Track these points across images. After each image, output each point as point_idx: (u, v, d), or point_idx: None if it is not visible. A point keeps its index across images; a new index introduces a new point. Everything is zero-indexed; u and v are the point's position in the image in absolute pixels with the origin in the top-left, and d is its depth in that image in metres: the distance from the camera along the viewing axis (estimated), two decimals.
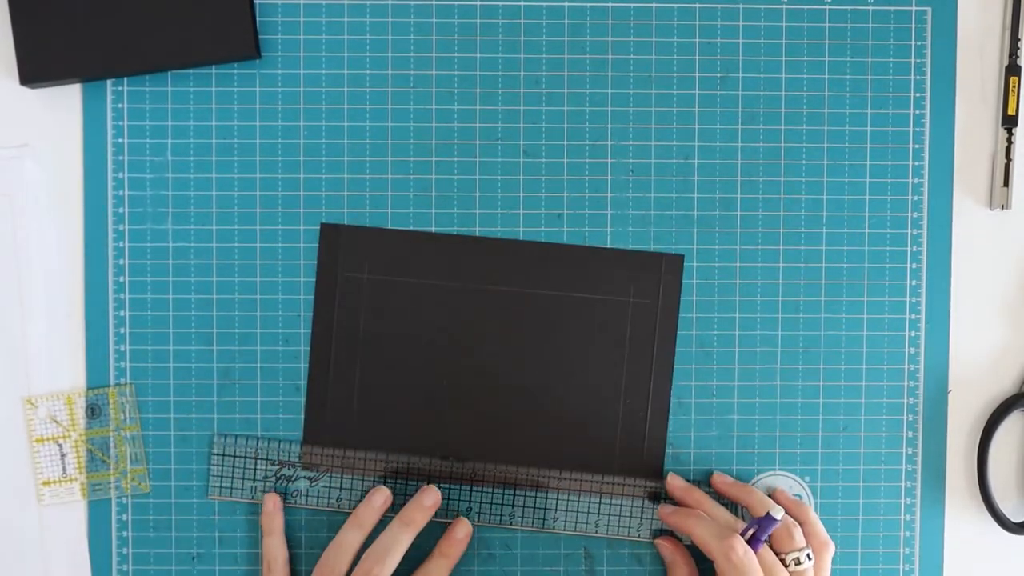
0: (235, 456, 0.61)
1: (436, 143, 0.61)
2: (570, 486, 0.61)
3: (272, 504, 0.60)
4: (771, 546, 0.57)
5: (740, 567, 0.54)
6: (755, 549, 0.55)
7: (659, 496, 0.61)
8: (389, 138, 0.61)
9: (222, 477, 0.61)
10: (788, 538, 0.57)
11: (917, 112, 0.62)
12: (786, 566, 0.56)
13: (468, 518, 0.61)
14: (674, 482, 0.60)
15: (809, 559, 0.56)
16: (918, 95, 0.62)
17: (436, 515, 0.61)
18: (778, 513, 0.55)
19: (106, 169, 0.61)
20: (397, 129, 0.61)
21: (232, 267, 0.61)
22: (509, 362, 0.61)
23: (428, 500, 0.59)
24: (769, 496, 0.60)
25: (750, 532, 0.56)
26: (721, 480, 0.61)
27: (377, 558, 0.56)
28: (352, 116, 0.61)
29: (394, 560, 0.57)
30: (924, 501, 0.62)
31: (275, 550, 0.59)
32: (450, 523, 0.60)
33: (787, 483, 0.62)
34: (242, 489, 0.61)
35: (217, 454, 0.61)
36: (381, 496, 0.59)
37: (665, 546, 0.60)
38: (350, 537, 0.58)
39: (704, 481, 0.61)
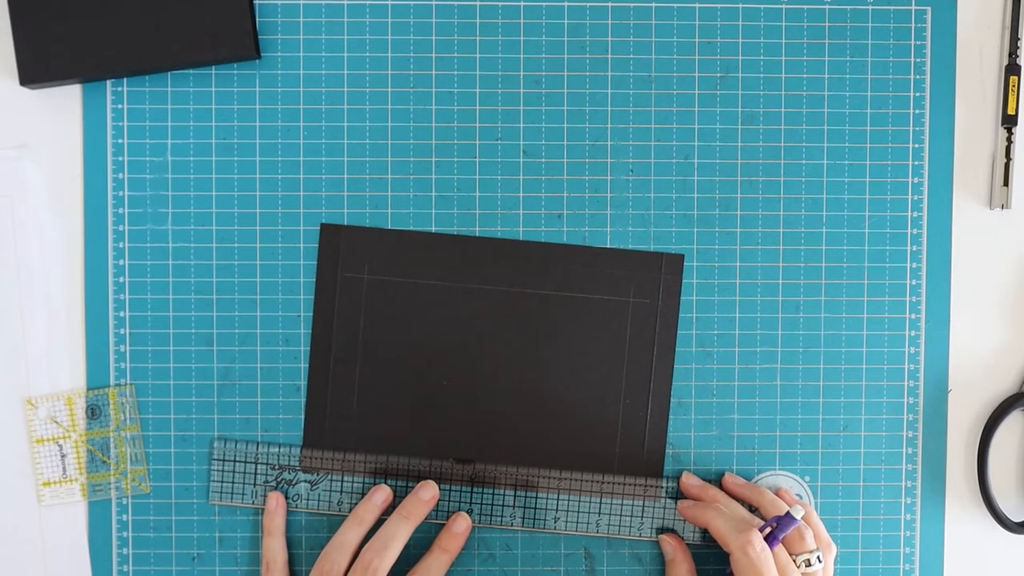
0: (235, 461, 0.61)
1: (436, 143, 0.61)
2: (570, 486, 0.61)
3: (275, 502, 0.60)
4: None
5: (756, 562, 0.54)
6: (771, 547, 0.55)
7: (677, 496, 0.61)
8: (389, 138, 0.61)
9: (223, 482, 0.61)
10: (799, 540, 0.57)
11: (917, 112, 0.62)
12: (796, 567, 0.56)
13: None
14: (689, 480, 0.61)
15: (819, 561, 0.57)
16: (918, 95, 0.62)
17: (437, 516, 0.61)
18: (798, 513, 0.55)
19: (106, 169, 0.61)
20: (397, 129, 0.61)
21: (232, 267, 0.61)
22: (509, 362, 0.61)
23: (426, 494, 0.59)
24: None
25: (767, 530, 0.56)
26: (732, 480, 0.61)
27: (377, 551, 0.57)
28: (352, 116, 0.61)
29: (394, 553, 0.57)
30: (924, 501, 0.62)
31: (275, 551, 0.59)
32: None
33: (787, 483, 0.62)
34: (243, 494, 0.61)
35: (217, 459, 0.61)
36: (382, 494, 0.60)
37: (668, 542, 0.60)
38: (350, 534, 0.58)
39: (715, 481, 0.61)
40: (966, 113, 0.62)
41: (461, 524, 0.60)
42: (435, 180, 0.61)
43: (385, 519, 0.59)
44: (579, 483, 0.61)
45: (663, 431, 0.62)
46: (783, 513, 0.57)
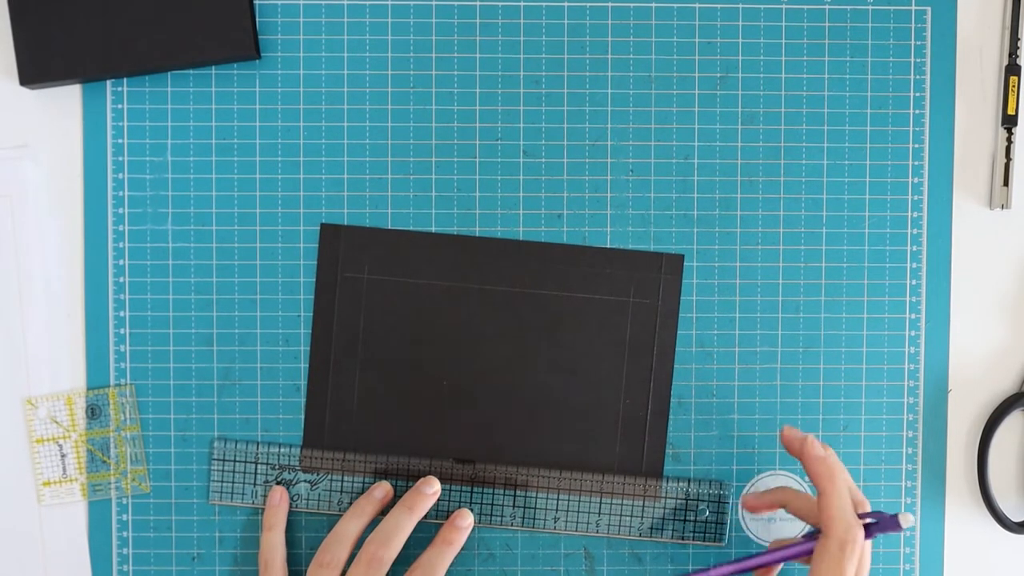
0: (235, 461, 0.61)
1: (436, 143, 0.61)
2: (570, 486, 0.61)
3: (278, 496, 0.60)
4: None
5: (845, 559, 0.52)
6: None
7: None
8: (389, 138, 0.61)
9: (223, 482, 0.61)
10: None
11: (917, 112, 0.62)
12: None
13: None
14: (791, 433, 0.56)
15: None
16: (918, 95, 0.62)
17: (437, 516, 0.61)
18: (907, 523, 0.52)
19: (106, 169, 0.61)
20: (397, 129, 0.61)
21: (232, 267, 0.61)
22: (509, 362, 0.61)
23: (429, 488, 0.59)
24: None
25: (867, 520, 0.54)
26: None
27: (381, 542, 0.57)
28: (352, 116, 0.61)
29: (398, 544, 0.57)
30: (924, 501, 0.62)
31: (273, 548, 0.59)
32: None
33: (787, 483, 0.62)
34: (243, 494, 0.61)
35: (217, 459, 0.61)
36: (382, 490, 0.60)
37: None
38: (351, 526, 0.58)
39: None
40: (966, 113, 0.62)
41: (464, 519, 0.60)
42: (435, 180, 0.61)
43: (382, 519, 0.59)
44: (579, 483, 0.61)
45: (663, 431, 0.62)
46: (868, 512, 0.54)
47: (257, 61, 0.61)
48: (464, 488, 0.61)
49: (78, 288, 0.61)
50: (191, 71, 0.60)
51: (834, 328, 0.62)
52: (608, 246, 0.61)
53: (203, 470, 0.61)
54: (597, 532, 0.61)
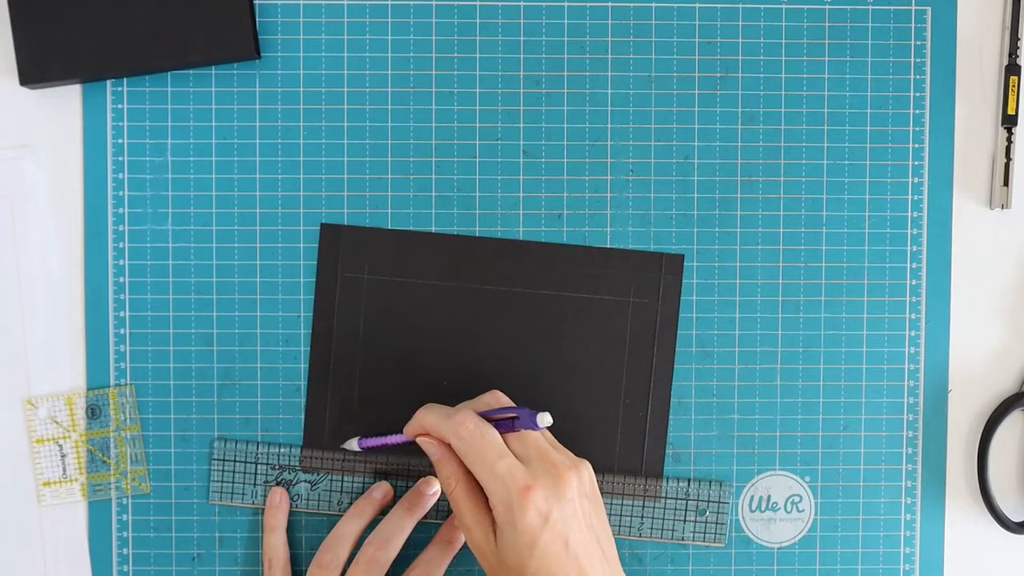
0: (235, 461, 0.61)
1: (436, 143, 0.61)
2: None
3: (278, 497, 0.60)
4: None
5: (472, 441, 0.51)
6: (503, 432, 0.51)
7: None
8: (389, 138, 0.61)
9: (223, 482, 0.61)
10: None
11: (917, 112, 0.62)
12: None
13: None
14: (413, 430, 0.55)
15: None
16: (918, 95, 0.62)
17: (438, 516, 0.61)
18: (544, 421, 0.51)
19: (106, 169, 0.60)
20: (397, 129, 0.61)
21: (232, 267, 0.61)
22: (509, 362, 0.61)
23: (429, 489, 0.59)
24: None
25: (500, 416, 0.52)
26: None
27: (380, 544, 0.57)
28: (352, 116, 0.61)
29: (396, 545, 0.57)
30: (924, 501, 0.62)
31: (276, 548, 0.59)
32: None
33: (787, 483, 0.62)
34: (243, 494, 0.61)
35: (217, 459, 0.61)
36: (381, 490, 0.60)
37: (430, 443, 0.54)
38: (350, 527, 0.58)
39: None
40: (966, 113, 0.62)
41: None
42: (435, 180, 0.61)
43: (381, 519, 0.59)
44: None
45: (663, 431, 0.62)
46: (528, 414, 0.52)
47: (257, 61, 0.61)
48: None
49: (78, 288, 0.61)
50: (191, 71, 0.60)
51: (834, 328, 0.62)
52: (608, 246, 0.61)
53: (203, 470, 0.61)
54: None
